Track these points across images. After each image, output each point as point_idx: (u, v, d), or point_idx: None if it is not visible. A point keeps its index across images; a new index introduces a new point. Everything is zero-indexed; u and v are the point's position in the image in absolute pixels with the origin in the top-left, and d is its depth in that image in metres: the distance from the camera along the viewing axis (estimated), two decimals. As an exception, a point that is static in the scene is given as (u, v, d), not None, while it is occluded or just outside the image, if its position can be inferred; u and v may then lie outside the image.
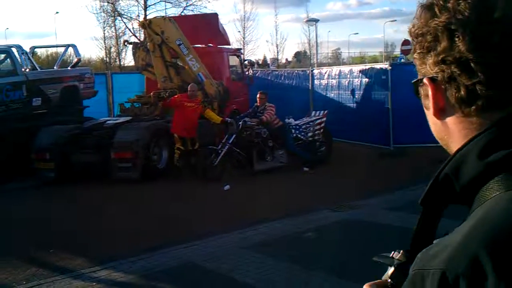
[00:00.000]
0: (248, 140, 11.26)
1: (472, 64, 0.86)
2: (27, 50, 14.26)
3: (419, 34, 0.94)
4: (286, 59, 74.48)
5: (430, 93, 0.93)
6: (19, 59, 12.64)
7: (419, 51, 0.95)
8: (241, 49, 19.15)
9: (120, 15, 28.44)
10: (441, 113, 0.94)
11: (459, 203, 0.88)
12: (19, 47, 13.15)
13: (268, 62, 67.92)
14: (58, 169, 11.20)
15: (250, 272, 5.81)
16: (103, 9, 30.32)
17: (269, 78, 18.15)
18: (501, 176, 0.82)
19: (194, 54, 13.53)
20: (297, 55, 72.66)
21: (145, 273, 5.94)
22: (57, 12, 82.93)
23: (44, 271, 6.11)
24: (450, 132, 0.94)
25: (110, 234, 7.35)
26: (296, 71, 18.13)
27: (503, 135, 0.85)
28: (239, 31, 46.27)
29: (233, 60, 16.04)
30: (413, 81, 0.99)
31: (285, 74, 17.91)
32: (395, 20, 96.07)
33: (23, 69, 12.66)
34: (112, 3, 29.00)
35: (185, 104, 11.33)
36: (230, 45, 17.28)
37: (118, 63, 41.91)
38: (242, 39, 46.46)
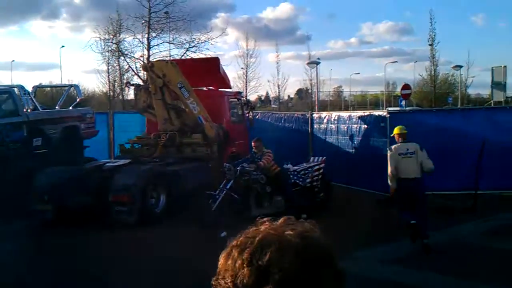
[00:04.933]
0: (246, 185, 11.27)
1: None
2: (30, 89, 14.46)
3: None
4: (288, 96, 75.19)
5: None
6: (20, 100, 12.78)
7: None
8: (241, 92, 19.37)
9: (123, 54, 28.84)
10: None
11: None
12: (21, 88, 13.31)
13: (271, 99, 68.54)
14: (55, 211, 11.19)
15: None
16: (107, 49, 30.81)
17: (269, 120, 18.30)
18: None
19: (194, 97, 13.68)
20: (299, 92, 73.33)
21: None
22: (62, 46, 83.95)
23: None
24: None
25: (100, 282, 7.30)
26: (296, 114, 18.30)
27: None
28: (242, 68, 46.69)
29: (234, 103, 16.20)
30: None
31: (285, 117, 18.07)
32: (396, 62, 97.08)
33: (24, 110, 12.79)
34: (116, 43, 29.44)
35: None
36: (231, 88, 17.49)
37: (121, 97, 42.23)
38: (245, 77, 46.84)
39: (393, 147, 9.57)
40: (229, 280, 0.99)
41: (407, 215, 9.01)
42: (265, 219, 1.14)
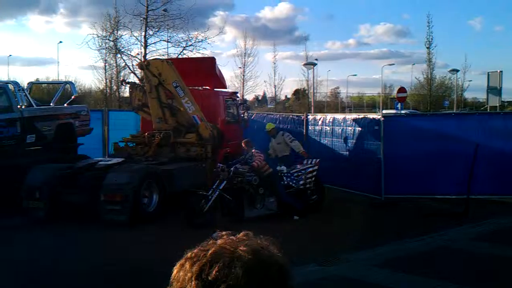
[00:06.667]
0: (239, 186, 11.25)
1: None
2: (25, 85, 14.42)
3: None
4: (286, 96, 75.29)
5: None
6: (14, 96, 12.73)
7: None
8: (237, 92, 19.29)
9: (120, 52, 28.71)
10: None
11: None
12: (16, 84, 13.29)
13: (267, 99, 68.61)
14: (47, 209, 11.15)
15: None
16: (104, 46, 30.70)
17: (264, 121, 18.27)
18: None
19: (190, 96, 13.65)
20: (296, 92, 73.32)
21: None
22: (60, 42, 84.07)
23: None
24: None
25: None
26: (291, 115, 18.27)
27: None
28: (239, 67, 46.57)
29: (229, 103, 16.18)
30: None
31: (280, 118, 18.05)
32: (393, 64, 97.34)
33: (18, 106, 12.74)
34: (113, 41, 29.35)
35: None
36: (226, 88, 17.47)
37: (117, 95, 42.07)
38: (242, 76, 46.69)
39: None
40: None
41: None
42: (223, 232, 1.13)
